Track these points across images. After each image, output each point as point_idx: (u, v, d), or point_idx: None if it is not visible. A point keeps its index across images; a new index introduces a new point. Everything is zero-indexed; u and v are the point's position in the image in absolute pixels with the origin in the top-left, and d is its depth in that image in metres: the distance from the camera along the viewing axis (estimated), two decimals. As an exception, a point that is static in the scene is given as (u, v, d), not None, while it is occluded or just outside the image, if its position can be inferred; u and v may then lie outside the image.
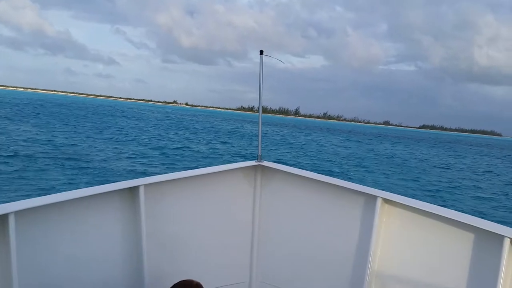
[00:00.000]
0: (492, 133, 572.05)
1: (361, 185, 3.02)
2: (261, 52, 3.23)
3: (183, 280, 2.44)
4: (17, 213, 2.37)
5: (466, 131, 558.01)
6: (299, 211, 3.33)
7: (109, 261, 2.86)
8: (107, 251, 2.85)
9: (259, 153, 3.41)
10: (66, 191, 2.66)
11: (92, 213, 2.76)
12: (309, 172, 3.23)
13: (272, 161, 3.45)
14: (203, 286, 2.80)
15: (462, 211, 2.71)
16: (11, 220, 2.34)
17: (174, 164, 20.78)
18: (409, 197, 2.90)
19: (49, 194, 2.61)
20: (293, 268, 3.36)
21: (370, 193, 2.95)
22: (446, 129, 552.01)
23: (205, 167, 3.26)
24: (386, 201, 2.91)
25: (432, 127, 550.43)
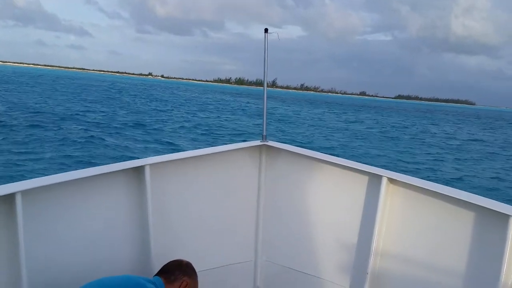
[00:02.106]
0: (466, 102, 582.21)
1: (365, 165, 3.03)
2: (266, 30, 3.24)
3: (173, 260, 2.67)
4: (24, 192, 2.38)
5: (440, 100, 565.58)
6: (304, 190, 3.34)
7: (116, 240, 2.90)
8: (114, 230, 2.88)
9: (264, 133, 3.40)
10: (72, 170, 2.69)
11: (98, 192, 2.79)
12: (315, 152, 3.25)
13: (277, 141, 3.46)
14: (207, 264, 3.13)
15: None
16: (18, 199, 2.36)
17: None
18: (413, 175, 2.90)
19: (56, 173, 2.64)
20: (298, 247, 3.38)
21: (375, 172, 2.94)
22: (421, 99, 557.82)
23: (210, 147, 3.30)
24: (391, 180, 2.89)
25: (408, 97, 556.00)
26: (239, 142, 3.47)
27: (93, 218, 2.79)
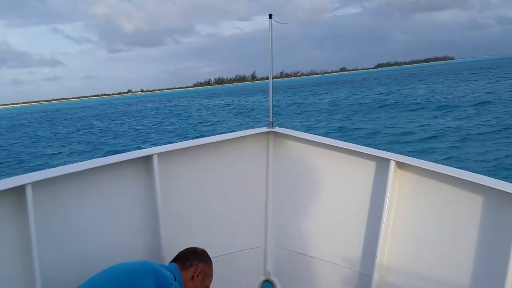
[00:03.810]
0: (445, 58, 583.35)
1: (373, 149, 3.00)
2: (270, 16, 3.21)
3: (188, 248, 2.72)
4: (34, 184, 2.42)
5: (420, 61, 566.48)
6: (311, 176, 3.35)
7: (126, 230, 2.93)
8: (124, 220, 2.91)
9: (271, 119, 3.40)
10: (81, 161, 2.73)
11: (107, 182, 2.83)
12: (322, 137, 3.26)
13: (284, 127, 3.46)
14: (218, 251, 3.13)
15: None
16: (28, 191, 2.39)
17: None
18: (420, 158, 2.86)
19: (65, 164, 2.68)
20: (307, 233, 3.40)
21: (382, 156, 2.91)
22: (400, 64, 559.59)
23: (218, 134, 3.33)
24: (400, 164, 2.87)
25: (387, 65, 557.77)
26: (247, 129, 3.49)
27: (103, 208, 2.82)
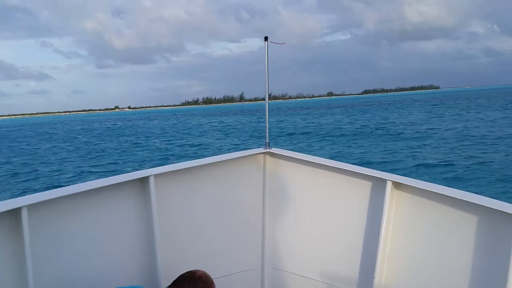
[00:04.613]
0: (431, 87, 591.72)
1: (369, 169, 3.00)
2: (266, 38, 3.24)
3: (188, 272, 2.56)
4: (30, 206, 2.41)
5: (406, 89, 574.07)
6: (308, 196, 3.35)
7: (122, 252, 2.91)
8: (119, 242, 2.90)
9: (267, 140, 3.41)
10: (78, 183, 2.71)
11: (104, 204, 2.80)
12: (318, 157, 3.26)
13: (280, 148, 3.49)
14: (215, 273, 3.01)
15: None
16: (24, 213, 2.38)
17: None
18: (419, 178, 2.87)
19: (61, 187, 2.67)
20: (304, 254, 3.39)
21: (379, 176, 2.92)
22: (387, 91, 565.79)
23: (214, 155, 3.34)
24: (396, 184, 2.87)
25: (374, 91, 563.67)
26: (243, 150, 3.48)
27: (99, 230, 2.80)
